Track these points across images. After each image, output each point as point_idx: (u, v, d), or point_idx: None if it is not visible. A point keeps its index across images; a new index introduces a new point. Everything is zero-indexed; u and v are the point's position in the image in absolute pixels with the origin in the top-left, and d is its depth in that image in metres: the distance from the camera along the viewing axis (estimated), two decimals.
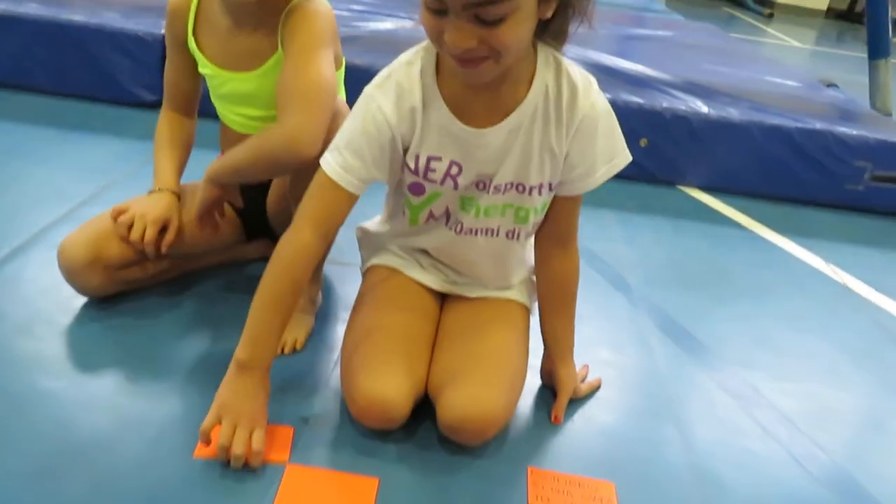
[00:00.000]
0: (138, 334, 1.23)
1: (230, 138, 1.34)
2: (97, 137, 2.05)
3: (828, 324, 1.63)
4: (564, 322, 1.18)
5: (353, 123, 0.98)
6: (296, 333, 1.24)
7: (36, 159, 1.84)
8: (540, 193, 1.05)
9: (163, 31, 2.18)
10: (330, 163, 0.98)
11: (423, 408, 1.09)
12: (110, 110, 2.26)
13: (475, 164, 1.02)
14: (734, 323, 1.56)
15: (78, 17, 2.25)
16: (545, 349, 1.20)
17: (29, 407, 1.04)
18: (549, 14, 0.90)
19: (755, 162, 2.31)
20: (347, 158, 0.97)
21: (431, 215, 1.09)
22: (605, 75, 2.55)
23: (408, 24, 2.96)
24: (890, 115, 3.09)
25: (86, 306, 1.27)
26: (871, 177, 2.30)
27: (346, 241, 1.42)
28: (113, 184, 1.75)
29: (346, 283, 1.45)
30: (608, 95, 2.21)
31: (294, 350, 1.23)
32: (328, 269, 1.48)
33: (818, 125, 2.30)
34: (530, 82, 0.98)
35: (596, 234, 1.87)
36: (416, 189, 1.05)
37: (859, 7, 8.14)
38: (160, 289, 1.34)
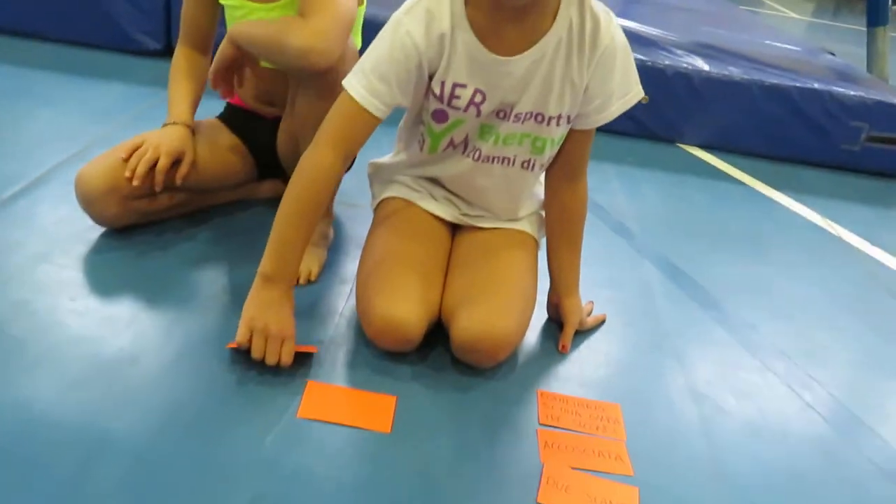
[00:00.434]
0: (155, 263, 1.25)
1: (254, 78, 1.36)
2: (103, 83, 2.05)
3: (822, 272, 1.67)
4: (571, 255, 1.21)
5: (381, 48, 1.00)
6: (309, 265, 1.27)
7: (44, 101, 1.84)
8: (558, 124, 1.08)
9: None
10: (355, 86, 1.00)
11: (436, 334, 1.12)
12: (114, 57, 2.26)
13: (498, 92, 1.04)
14: (732, 269, 1.61)
15: None
16: (552, 283, 1.24)
17: (57, 327, 1.07)
18: None
19: (754, 121, 2.34)
20: (373, 82, 0.99)
21: (451, 143, 1.11)
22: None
23: None
24: (887, 81, 3.12)
25: (102, 237, 1.30)
26: (867, 137, 2.33)
27: (354, 183, 1.45)
28: (122, 126, 1.76)
29: (357, 223, 1.47)
30: None
31: (308, 282, 1.26)
32: (338, 209, 1.51)
33: (816, 85, 2.33)
34: (555, 15, 1.01)
35: (597, 187, 1.90)
36: (440, 116, 1.08)
37: None
38: (174, 223, 1.37)
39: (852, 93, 2.32)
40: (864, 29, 3.28)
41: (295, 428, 0.94)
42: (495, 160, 1.12)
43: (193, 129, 1.32)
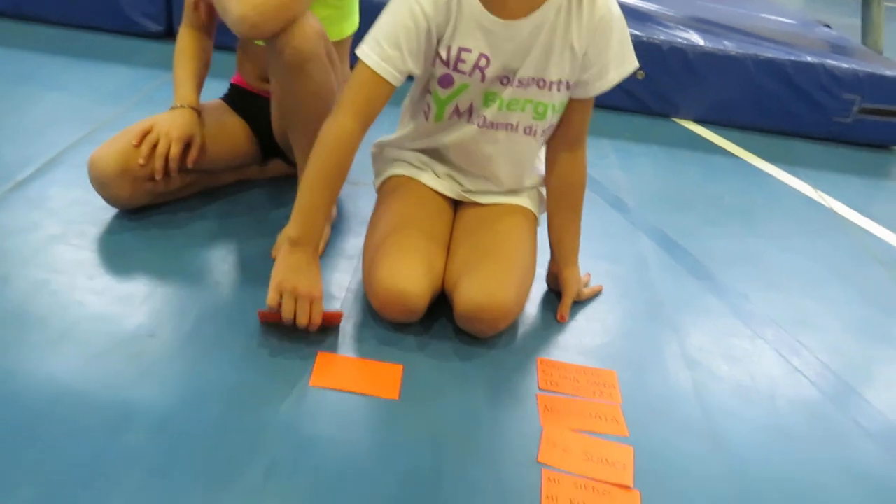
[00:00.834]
0: (168, 241, 1.30)
1: (249, 55, 1.40)
2: (107, 65, 2.08)
3: (813, 243, 1.72)
4: (570, 226, 1.26)
5: (392, 16, 1.05)
6: None
7: (50, 85, 1.88)
8: (559, 90, 1.13)
9: None
10: (368, 54, 1.05)
11: (440, 307, 1.17)
12: (116, 40, 2.28)
13: (502, 56, 1.09)
14: (725, 241, 1.65)
15: None
16: (551, 254, 1.29)
17: (76, 305, 1.11)
18: None
19: (749, 94, 2.37)
20: (386, 49, 1.04)
21: (457, 110, 1.16)
22: None
23: None
24: (881, 53, 3.15)
25: (116, 217, 1.34)
26: (860, 109, 2.37)
27: (356, 162, 1.47)
28: (128, 109, 1.80)
29: (359, 201, 1.52)
30: None
31: None
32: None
33: (810, 58, 2.36)
34: None
35: (594, 162, 1.91)
36: (446, 81, 1.13)
37: None
38: (185, 203, 1.41)
39: (845, 65, 2.35)
40: (860, 0, 3.29)
41: (307, 396, 1.00)
42: (499, 126, 1.17)
43: (200, 112, 1.35)
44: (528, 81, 1.12)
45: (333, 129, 1.07)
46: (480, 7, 1.06)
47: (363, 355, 1.09)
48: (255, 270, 1.25)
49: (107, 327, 1.07)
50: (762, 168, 2.14)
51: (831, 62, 2.35)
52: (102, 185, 1.29)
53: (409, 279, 1.10)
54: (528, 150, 1.22)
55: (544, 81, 1.12)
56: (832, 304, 1.47)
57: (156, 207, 1.37)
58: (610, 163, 1.99)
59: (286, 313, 1.05)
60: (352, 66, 1.12)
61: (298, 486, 0.86)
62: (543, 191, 1.30)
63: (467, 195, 1.27)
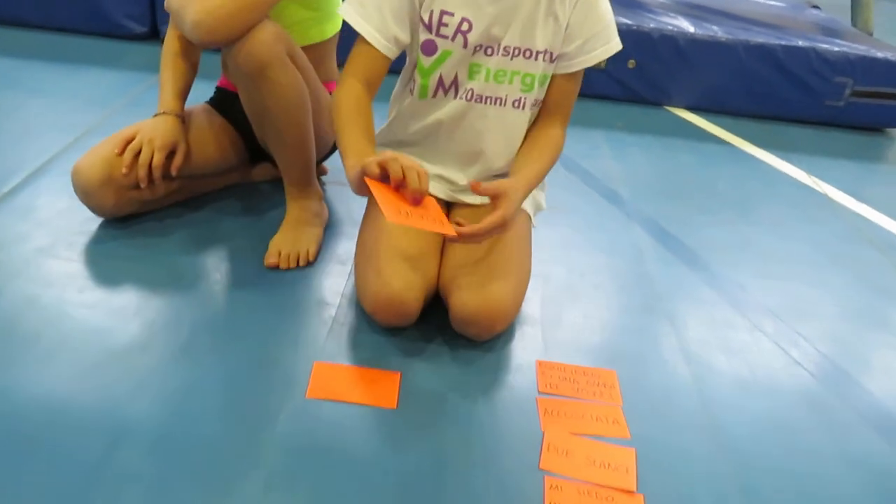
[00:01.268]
0: (157, 250, 1.28)
1: None
2: (91, 70, 2.05)
3: (808, 229, 1.71)
4: (531, 163, 1.15)
5: None
6: (307, 245, 1.30)
7: (33, 91, 1.85)
8: (545, 59, 1.13)
9: None
10: (350, 14, 1.08)
11: (436, 310, 1.16)
12: (100, 43, 2.25)
13: (484, 20, 1.09)
14: (720, 229, 1.64)
15: None
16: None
17: (66, 319, 1.10)
18: None
19: (740, 80, 2.36)
20: (369, 10, 1.07)
21: (441, 83, 1.15)
22: None
23: None
24: (871, 34, 3.13)
25: (102, 227, 1.32)
26: (852, 93, 2.36)
27: None
28: (114, 113, 1.77)
29: (351, 202, 1.50)
30: None
31: (308, 262, 1.29)
32: (331, 189, 1.54)
33: (800, 42, 2.34)
34: None
35: (587, 152, 1.93)
36: (429, 47, 1.12)
37: None
38: (173, 209, 1.39)
39: (836, 48, 2.33)
40: None
41: (305, 408, 0.98)
42: (488, 100, 1.16)
43: (184, 118, 1.33)
44: (514, 52, 1.12)
45: (341, 90, 1.10)
46: None
47: (360, 363, 1.08)
48: (247, 278, 1.24)
49: (99, 341, 1.06)
50: (755, 155, 2.13)
51: (822, 46, 2.34)
52: (87, 194, 1.27)
53: (401, 282, 1.09)
54: (520, 125, 1.20)
55: (531, 51, 1.12)
56: (829, 291, 1.47)
57: (143, 215, 1.35)
58: (602, 153, 1.97)
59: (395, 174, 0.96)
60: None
61: (298, 498, 0.85)
62: (537, 193, 1.28)
63: (459, 195, 1.25)
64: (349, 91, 1.09)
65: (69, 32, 2.27)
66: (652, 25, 2.31)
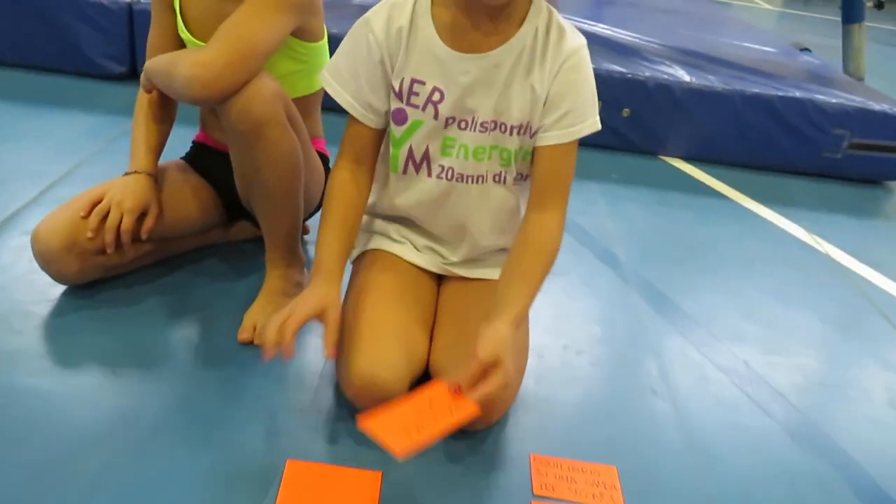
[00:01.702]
0: (121, 322, 1.18)
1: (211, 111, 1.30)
2: (64, 112, 1.96)
3: (813, 295, 1.64)
4: (520, 286, 1.01)
5: (347, 45, 1.03)
6: None
7: (1, 136, 1.75)
8: (521, 134, 1.04)
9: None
10: (329, 81, 1.04)
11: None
12: (77, 83, 2.17)
13: (456, 90, 1.02)
14: (722, 296, 1.57)
15: None
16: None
17: (15, 406, 0.99)
18: None
19: (736, 130, 2.31)
20: (344, 75, 1.03)
21: (411, 156, 1.07)
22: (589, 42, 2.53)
23: None
24: (862, 79, 3.11)
25: (64, 294, 1.22)
26: (850, 145, 2.31)
27: None
28: (85, 161, 1.68)
29: None
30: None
31: None
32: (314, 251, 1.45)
33: (797, 93, 2.30)
34: (521, 23, 1.00)
35: (582, 208, 1.86)
36: (399, 116, 1.05)
37: None
38: (141, 274, 1.30)
39: (834, 100, 2.29)
40: (836, 19, 3.26)
41: None
42: (469, 179, 1.08)
43: (157, 177, 1.24)
44: (490, 125, 1.04)
45: (331, 178, 1.07)
46: (435, 37, 1.00)
47: (337, 459, 0.98)
48: (219, 356, 1.14)
49: (49, 434, 0.96)
50: (754, 210, 2.06)
51: (820, 97, 2.29)
52: (47, 261, 1.17)
53: (386, 365, 1.00)
54: (505, 200, 1.12)
55: (505, 126, 1.04)
56: (839, 365, 1.40)
57: (110, 280, 1.26)
58: (599, 209, 1.90)
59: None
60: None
61: None
62: None
63: (451, 268, 1.17)
64: (340, 185, 1.06)
65: (45, 71, 2.19)
66: (647, 74, 2.26)
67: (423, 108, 1.03)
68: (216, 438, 0.99)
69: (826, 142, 2.31)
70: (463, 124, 1.04)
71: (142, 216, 1.20)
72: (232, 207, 1.38)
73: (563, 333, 1.34)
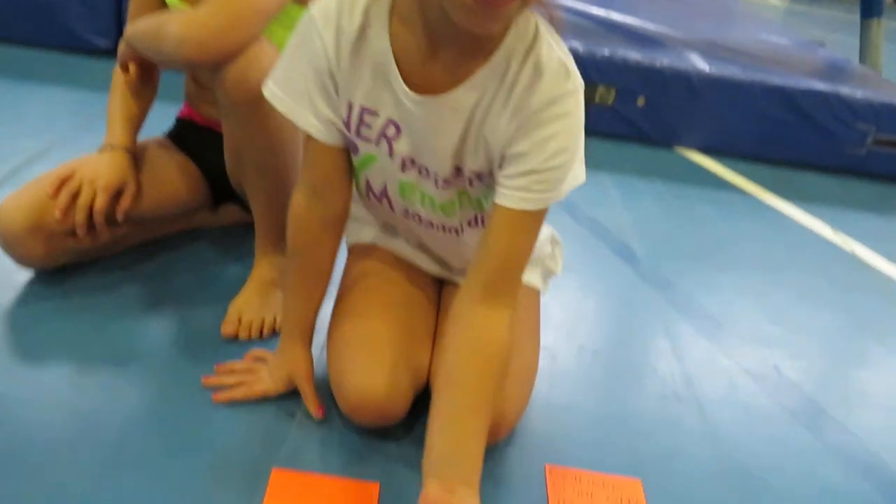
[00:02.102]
0: (94, 313, 1.07)
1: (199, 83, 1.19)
2: (44, 88, 1.84)
3: (840, 296, 1.53)
4: (473, 421, 0.76)
5: (295, 51, 0.79)
6: (273, 312, 1.09)
7: None
8: (480, 181, 0.83)
9: None
10: (278, 96, 0.81)
11: (425, 403, 0.95)
12: (59, 58, 2.04)
13: (412, 131, 0.80)
14: (745, 296, 1.46)
15: None
16: (428, 460, 0.75)
17: None
18: None
19: (755, 123, 2.20)
20: (298, 88, 0.80)
21: (370, 189, 0.91)
22: (602, 28, 2.42)
23: None
24: (880, 74, 3.00)
25: (30, 283, 1.11)
26: (874, 141, 2.20)
27: None
28: (61, 139, 1.56)
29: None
30: (605, 51, 2.14)
31: (273, 332, 1.08)
32: None
33: (821, 86, 2.19)
34: (491, 54, 0.75)
35: (595, 199, 1.75)
36: (351, 146, 0.85)
37: None
38: (117, 260, 1.18)
39: (859, 95, 2.18)
40: (844, 14, 3.15)
41: None
42: (440, 227, 0.91)
43: (135, 153, 1.13)
44: (451, 178, 0.83)
45: (290, 207, 0.90)
46: (391, 60, 0.76)
47: (329, 470, 0.87)
48: (199, 351, 1.03)
49: (8, 438, 0.84)
50: (776, 206, 1.95)
51: (844, 90, 2.18)
52: (10, 244, 1.05)
53: (385, 377, 0.88)
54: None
55: (461, 170, 0.82)
56: (872, 371, 1.29)
57: (84, 266, 1.14)
58: (612, 201, 1.79)
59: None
60: None
61: None
62: (546, 256, 1.07)
63: (449, 275, 1.04)
64: (294, 212, 0.89)
65: (25, 45, 2.06)
66: (663, 62, 2.14)
67: (377, 143, 0.83)
68: (195, 442, 0.87)
69: (849, 137, 2.20)
70: (424, 171, 0.84)
71: (117, 195, 1.08)
72: (219, 189, 1.26)
73: (577, 333, 1.23)
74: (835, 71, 2.53)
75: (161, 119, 1.25)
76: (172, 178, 1.20)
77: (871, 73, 2.74)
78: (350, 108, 0.81)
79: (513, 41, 0.74)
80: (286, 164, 1.06)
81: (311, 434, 0.92)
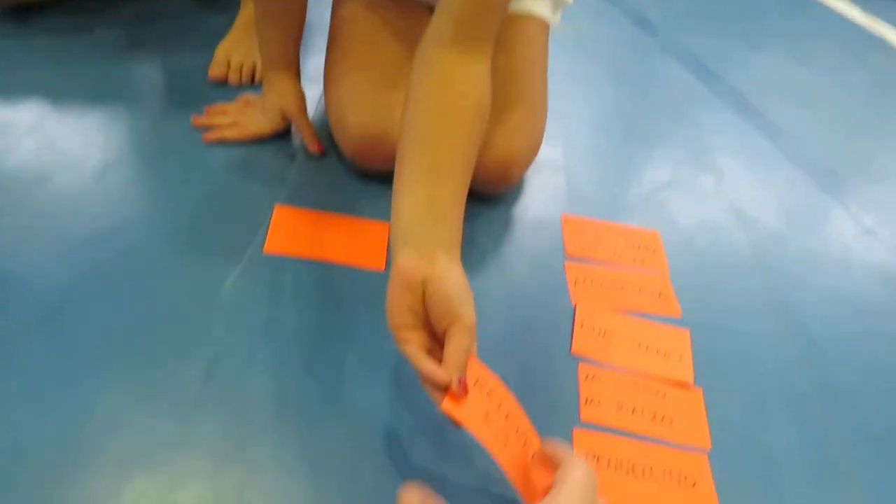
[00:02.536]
0: (64, 54, 0.97)
1: None
2: None
3: (867, 77, 1.44)
4: (446, 188, 0.60)
5: None
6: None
7: None
8: None
9: None
10: None
11: None
12: None
13: None
14: (770, 72, 1.37)
15: None
16: (393, 231, 0.58)
17: None
18: None
19: None
20: None
21: None
22: None
23: None
24: None
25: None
26: None
27: None
28: None
29: (323, 7, 1.18)
30: None
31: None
32: None
33: None
34: None
35: None
36: None
37: None
38: (85, 3, 1.06)
39: None
40: None
41: (261, 268, 0.73)
42: None
43: None
44: None
45: None
46: None
47: (335, 209, 0.82)
48: (190, 94, 0.94)
49: None
50: None
51: None
52: None
53: (389, 116, 0.80)
54: None
55: None
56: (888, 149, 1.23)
57: (47, 11, 1.02)
58: None
59: None
60: None
61: (245, 389, 0.62)
62: None
63: None
64: None
65: None
66: None
67: None
68: (186, 182, 0.81)
69: None
70: None
71: None
72: None
73: (593, 98, 1.16)
74: None
75: None
76: None
77: None
78: None
79: None
80: None
81: (312, 178, 0.86)
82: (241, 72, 0.97)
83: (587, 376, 0.69)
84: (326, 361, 0.65)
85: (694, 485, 0.61)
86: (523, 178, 0.93)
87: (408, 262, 0.53)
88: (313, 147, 0.87)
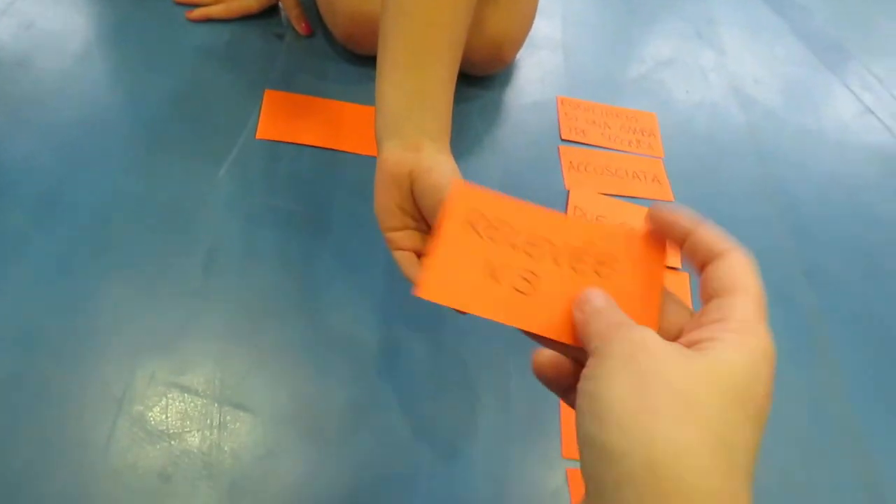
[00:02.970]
0: None
1: None
2: None
3: None
4: (433, 69, 0.52)
5: None
6: None
7: None
8: None
9: None
10: None
11: None
12: None
13: None
14: None
15: None
16: (378, 123, 0.52)
17: None
18: None
19: None
20: None
21: None
22: None
23: None
24: None
25: None
26: None
27: None
28: None
29: None
30: None
31: None
32: None
33: None
34: None
35: None
36: None
37: None
38: None
39: None
40: None
41: (254, 154, 0.73)
42: None
43: None
44: None
45: None
46: None
47: (329, 94, 0.80)
48: None
49: None
50: None
51: None
52: None
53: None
54: None
55: None
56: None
57: None
58: None
59: None
60: None
61: (246, 278, 0.63)
62: None
63: None
64: None
65: None
66: None
67: None
68: (171, 59, 0.79)
69: None
70: None
71: None
72: None
73: None
74: None
75: None
76: None
77: None
78: None
79: None
80: None
81: (302, 61, 0.84)
82: None
83: None
84: (326, 248, 0.66)
85: None
86: (519, 56, 0.90)
87: (392, 154, 0.49)
88: (301, 27, 0.84)
